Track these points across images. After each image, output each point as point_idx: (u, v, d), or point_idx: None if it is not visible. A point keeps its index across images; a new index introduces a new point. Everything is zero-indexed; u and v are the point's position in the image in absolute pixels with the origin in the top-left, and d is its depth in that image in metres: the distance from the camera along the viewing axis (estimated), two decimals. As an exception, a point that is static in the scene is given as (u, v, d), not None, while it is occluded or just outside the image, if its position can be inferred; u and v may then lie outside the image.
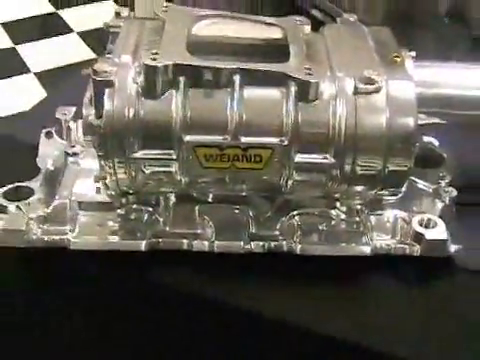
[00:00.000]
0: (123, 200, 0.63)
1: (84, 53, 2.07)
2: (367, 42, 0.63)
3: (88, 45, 2.12)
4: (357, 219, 0.63)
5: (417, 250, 0.61)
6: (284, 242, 0.61)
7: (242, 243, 0.61)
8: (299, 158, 0.57)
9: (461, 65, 0.67)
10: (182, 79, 0.56)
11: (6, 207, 0.62)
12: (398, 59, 0.61)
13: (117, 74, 0.56)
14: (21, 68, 2.02)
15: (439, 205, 0.65)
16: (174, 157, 0.57)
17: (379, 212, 0.64)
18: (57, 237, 0.61)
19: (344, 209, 0.63)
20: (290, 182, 0.59)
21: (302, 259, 0.61)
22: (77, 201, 0.63)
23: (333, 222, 0.64)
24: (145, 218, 0.63)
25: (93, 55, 2.01)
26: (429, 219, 0.62)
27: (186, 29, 0.62)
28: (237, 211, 0.64)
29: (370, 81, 0.57)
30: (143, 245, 0.61)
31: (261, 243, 0.61)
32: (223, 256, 0.61)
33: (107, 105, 0.56)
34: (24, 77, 1.99)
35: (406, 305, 0.60)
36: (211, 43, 0.64)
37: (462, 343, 0.57)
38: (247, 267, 0.60)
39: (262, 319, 0.58)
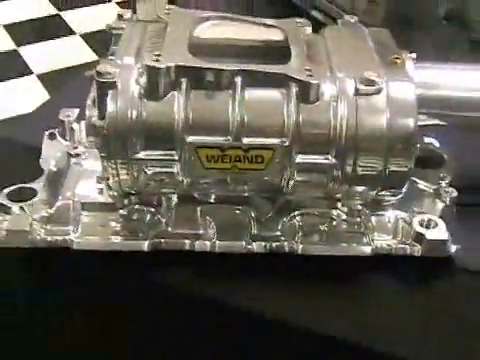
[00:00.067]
0: (125, 201, 0.64)
1: (86, 55, 2.07)
2: (367, 43, 0.63)
3: (90, 47, 2.12)
4: (358, 219, 0.64)
5: (418, 250, 0.61)
6: (285, 242, 0.61)
7: (244, 243, 0.61)
8: (300, 159, 0.58)
9: (461, 67, 0.68)
10: (184, 80, 0.57)
11: (10, 208, 0.62)
12: (398, 60, 0.61)
13: (120, 76, 0.57)
14: (23, 70, 2.02)
15: (439, 205, 0.65)
16: (176, 158, 0.58)
17: (380, 212, 0.64)
18: (60, 237, 0.61)
19: (345, 209, 0.64)
20: (291, 183, 0.59)
21: (303, 259, 0.61)
22: (80, 202, 0.64)
23: (334, 222, 0.64)
24: (147, 219, 0.64)
25: (95, 57, 2.02)
26: (430, 219, 0.62)
27: (188, 31, 0.62)
28: (239, 212, 0.64)
29: (371, 82, 0.57)
30: (145, 245, 0.61)
31: (262, 243, 0.61)
32: (225, 256, 0.61)
33: (110, 106, 0.56)
34: (26, 79, 1.99)
35: (406, 305, 0.60)
36: (213, 45, 0.64)
37: (462, 343, 0.57)
38: (248, 267, 0.60)
39: (263, 319, 0.58)
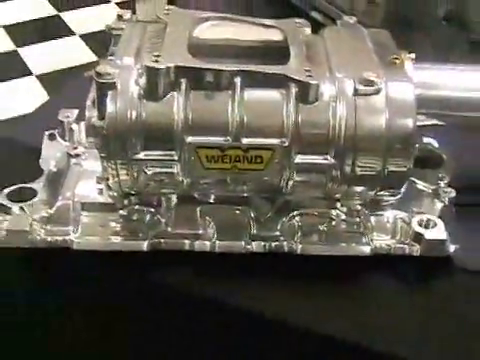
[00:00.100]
0: (125, 201, 0.64)
1: (86, 56, 2.07)
2: (366, 44, 0.63)
3: (90, 48, 2.12)
4: (357, 219, 0.64)
5: (417, 250, 0.61)
6: (285, 242, 0.62)
7: (243, 243, 0.61)
8: (299, 159, 0.58)
9: (460, 67, 0.68)
10: (184, 81, 0.57)
11: (10, 208, 0.63)
12: (397, 61, 0.61)
13: (119, 76, 0.57)
14: (23, 71, 2.02)
15: (438, 205, 0.65)
16: (176, 158, 0.58)
17: (379, 212, 0.64)
18: (60, 238, 0.61)
19: (344, 209, 0.64)
20: (290, 183, 0.59)
21: (302, 259, 0.61)
22: (80, 202, 0.64)
23: (333, 222, 0.64)
24: (147, 219, 0.64)
25: (95, 58, 2.02)
26: (428, 219, 0.62)
27: (188, 31, 0.62)
28: (238, 212, 0.64)
29: (370, 83, 0.57)
30: (145, 245, 0.61)
31: (262, 243, 0.61)
32: (224, 256, 0.61)
33: (110, 107, 0.56)
34: (26, 80, 1.99)
35: (406, 305, 0.60)
36: (212, 45, 0.64)
37: (462, 343, 0.57)
38: (248, 267, 0.60)
39: (263, 319, 0.59)
